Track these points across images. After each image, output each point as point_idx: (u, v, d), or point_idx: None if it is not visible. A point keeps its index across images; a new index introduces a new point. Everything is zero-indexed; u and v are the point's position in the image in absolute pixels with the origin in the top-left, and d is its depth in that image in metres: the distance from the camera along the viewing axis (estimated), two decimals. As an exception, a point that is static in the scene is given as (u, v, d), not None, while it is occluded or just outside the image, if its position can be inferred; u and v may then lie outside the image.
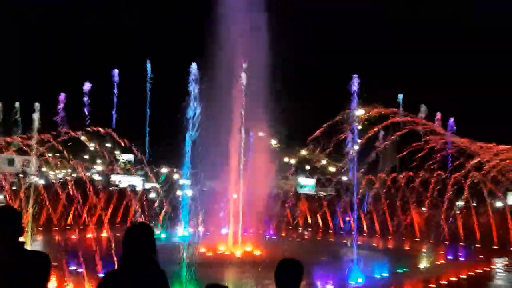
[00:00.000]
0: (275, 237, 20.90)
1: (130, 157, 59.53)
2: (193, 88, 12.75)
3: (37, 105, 16.05)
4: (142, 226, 3.81)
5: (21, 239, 3.59)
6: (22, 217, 3.68)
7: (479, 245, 20.00)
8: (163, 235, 19.62)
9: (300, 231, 23.51)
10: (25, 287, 3.41)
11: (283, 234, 22.24)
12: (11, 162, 30.18)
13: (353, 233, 20.15)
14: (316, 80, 42.67)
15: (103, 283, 3.55)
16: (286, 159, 48.98)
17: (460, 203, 24.12)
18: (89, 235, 19.80)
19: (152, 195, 26.24)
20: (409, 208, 22.28)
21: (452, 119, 40.64)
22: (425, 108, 40.00)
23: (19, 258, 3.44)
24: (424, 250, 18.58)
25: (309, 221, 24.36)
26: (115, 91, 58.41)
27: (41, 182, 22.23)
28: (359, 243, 16.00)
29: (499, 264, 16.33)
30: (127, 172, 40.39)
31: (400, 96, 45.34)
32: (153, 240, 3.63)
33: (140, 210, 23.26)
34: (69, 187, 21.76)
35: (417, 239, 21.29)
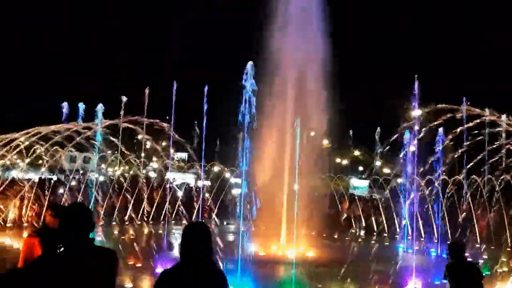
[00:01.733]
0: (327, 239, 20.61)
1: (184, 155, 60.92)
2: (248, 86, 12.75)
3: (100, 105, 16.69)
4: (199, 226, 3.92)
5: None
6: (92, 214, 3.76)
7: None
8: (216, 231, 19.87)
9: (354, 233, 23.04)
10: (92, 282, 3.47)
11: (336, 236, 21.89)
12: (72, 159, 31.62)
13: (409, 238, 19.58)
14: (371, 79, 41.78)
15: (162, 280, 3.59)
16: (338, 160, 48.37)
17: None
18: (146, 231, 20.41)
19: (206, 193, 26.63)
20: (470, 212, 21.22)
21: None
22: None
23: (86, 253, 3.51)
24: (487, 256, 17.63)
25: (363, 223, 23.81)
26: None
27: (101, 178, 23.11)
28: (416, 248, 15.47)
29: None
30: (180, 169, 41.35)
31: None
32: (210, 239, 3.69)
33: (193, 206, 23.72)
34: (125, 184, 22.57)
35: (477, 245, 20.27)
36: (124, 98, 16.24)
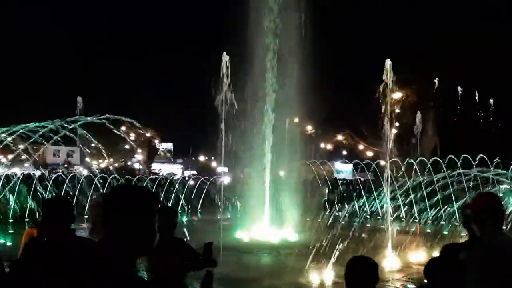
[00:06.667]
0: (311, 223, 20.97)
1: (169, 145, 60.94)
2: (225, 76, 12.95)
3: (79, 99, 16.74)
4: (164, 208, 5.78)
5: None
6: (72, 205, 4.00)
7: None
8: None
9: (336, 217, 23.44)
10: (74, 270, 3.68)
11: (319, 220, 22.28)
12: (56, 152, 31.52)
13: (390, 219, 20.03)
14: (351, 64, 41.99)
15: None
16: (322, 145, 48.86)
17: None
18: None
19: (191, 182, 26.88)
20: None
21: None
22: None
23: (68, 243, 3.74)
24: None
25: (346, 206, 24.24)
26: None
27: (84, 172, 23.13)
28: (396, 228, 15.93)
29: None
30: (166, 160, 41.50)
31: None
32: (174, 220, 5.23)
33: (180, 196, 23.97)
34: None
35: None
36: (80, 99, 16.20)
